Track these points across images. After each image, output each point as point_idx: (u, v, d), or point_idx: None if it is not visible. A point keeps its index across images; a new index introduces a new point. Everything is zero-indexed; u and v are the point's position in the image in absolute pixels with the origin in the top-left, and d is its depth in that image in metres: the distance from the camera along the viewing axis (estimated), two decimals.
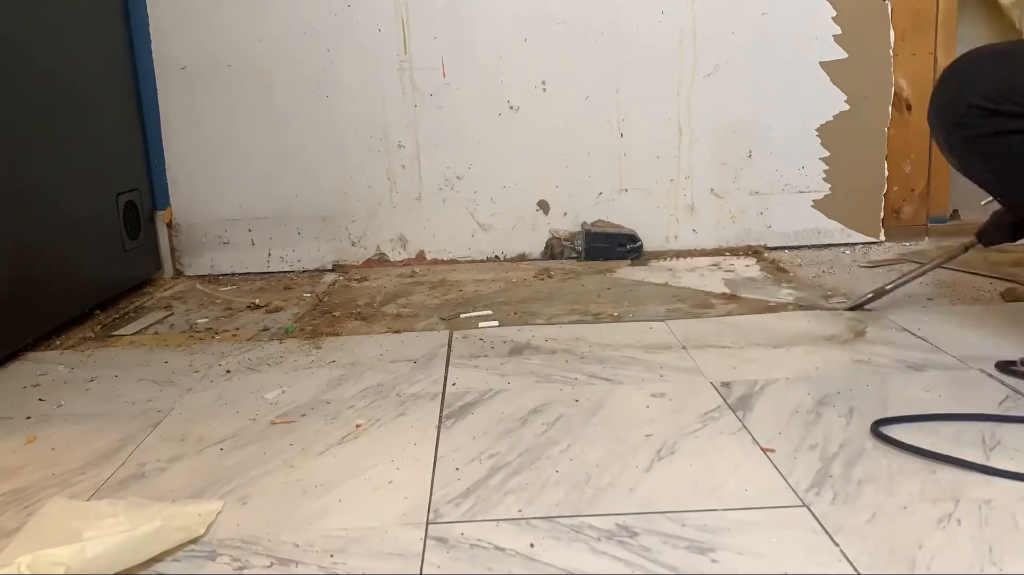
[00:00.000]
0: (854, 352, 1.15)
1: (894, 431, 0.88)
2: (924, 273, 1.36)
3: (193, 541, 0.74)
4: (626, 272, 1.71)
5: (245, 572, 0.69)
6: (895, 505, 0.75)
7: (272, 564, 0.70)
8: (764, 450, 0.86)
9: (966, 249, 1.30)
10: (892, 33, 1.79)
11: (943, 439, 0.86)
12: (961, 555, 0.67)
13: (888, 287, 1.36)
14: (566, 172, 1.84)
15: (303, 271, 1.85)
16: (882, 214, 1.85)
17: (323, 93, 1.80)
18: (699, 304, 1.44)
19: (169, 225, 1.84)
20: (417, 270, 1.81)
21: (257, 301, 1.60)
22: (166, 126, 1.81)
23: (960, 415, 0.92)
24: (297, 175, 1.83)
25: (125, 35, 1.73)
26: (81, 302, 1.50)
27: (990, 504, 0.74)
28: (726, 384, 1.05)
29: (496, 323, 1.37)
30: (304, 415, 1.02)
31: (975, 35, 1.91)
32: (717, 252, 1.85)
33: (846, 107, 1.81)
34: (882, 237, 1.86)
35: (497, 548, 0.71)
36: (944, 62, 1.82)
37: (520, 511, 0.76)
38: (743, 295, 1.48)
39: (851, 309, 1.36)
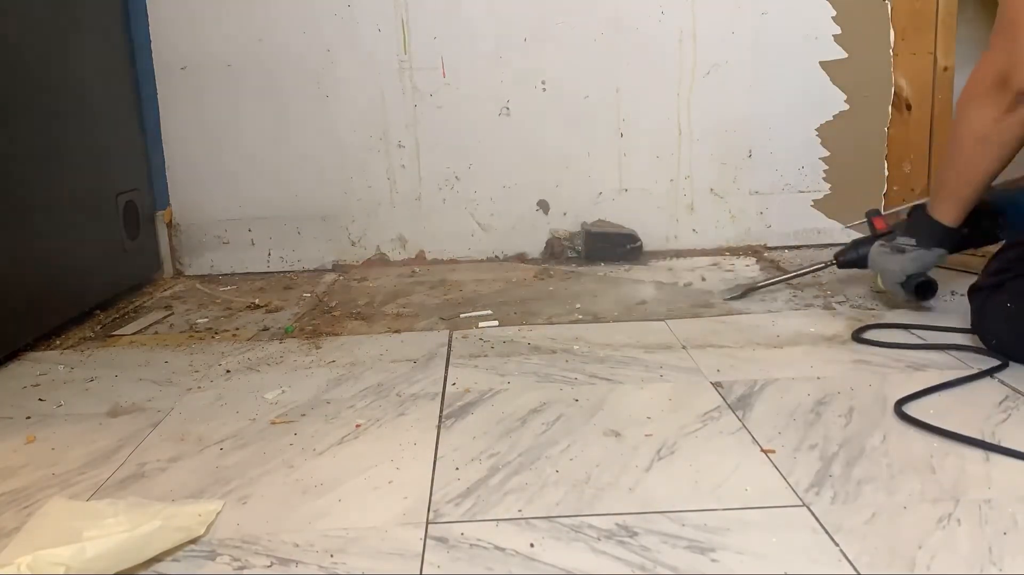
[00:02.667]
0: (854, 352, 1.15)
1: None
2: (789, 279, 1.51)
3: (193, 541, 0.74)
4: (626, 272, 1.71)
5: (245, 572, 0.69)
6: (895, 505, 0.74)
7: (272, 564, 0.70)
8: (764, 451, 0.86)
9: (825, 266, 1.46)
10: (892, 33, 1.79)
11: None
12: (961, 555, 0.67)
13: (760, 285, 1.50)
14: (566, 172, 1.84)
15: (303, 271, 1.85)
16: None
17: (323, 93, 1.80)
18: (699, 304, 1.44)
19: (169, 225, 1.84)
20: (417, 270, 1.81)
21: (257, 301, 1.60)
22: (166, 126, 1.81)
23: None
24: (297, 175, 1.83)
25: (125, 35, 1.73)
26: (81, 302, 1.50)
27: (990, 504, 0.74)
28: (726, 384, 1.05)
29: (496, 323, 1.37)
30: (304, 415, 1.02)
31: (975, 35, 1.91)
32: (717, 252, 1.85)
33: (846, 107, 1.81)
34: None
35: (497, 548, 0.71)
36: (944, 62, 1.82)
37: (520, 511, 0.76)
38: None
39: (732, 299, 1.46)
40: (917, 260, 1.25)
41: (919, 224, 1.25)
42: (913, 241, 1.24)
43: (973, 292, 1.15)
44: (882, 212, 1.43)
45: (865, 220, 1.42)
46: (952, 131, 1.17)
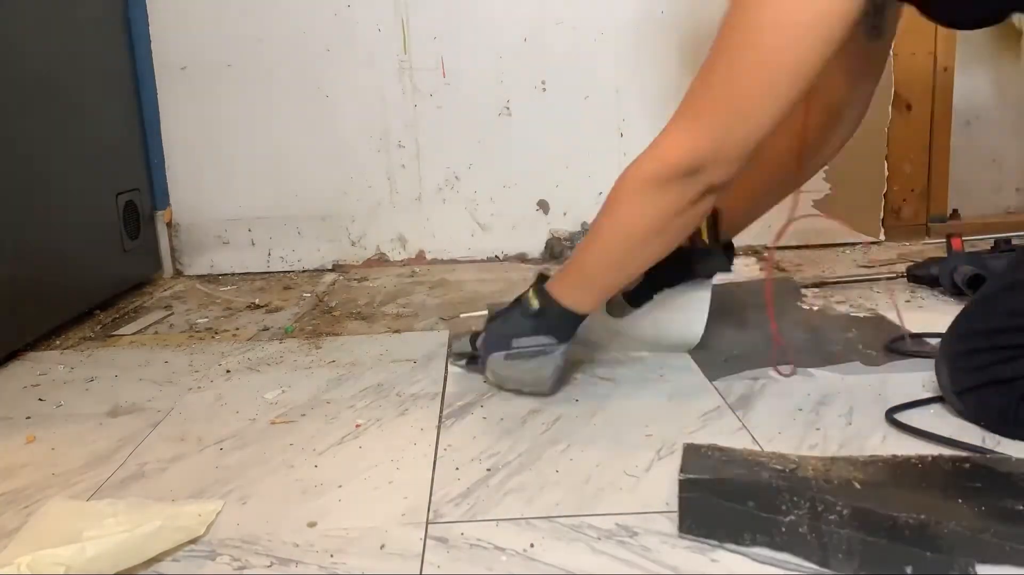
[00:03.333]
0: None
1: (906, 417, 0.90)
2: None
3: (193, 541, 0.74)
4: None
5: (245, 572, 0.69)
6: None
7: (272, 564, 0.70)
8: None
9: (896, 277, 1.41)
10: None
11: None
12: None
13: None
14: (566, 172, 1.84)
15: (303, 271, 1.85)
16: (882, 214, 1.85)
17: (323, 93, 1.80)
18: None
19: (169, 225, 1.84)
20: (417, 270, 1.81)
21: (257, 301, 1.60)
22: (166, 126, 1.80)
23: None
24: (297, 175, 1.83)
25: (125, 35, 1.73)
26: (81, 302, 1.50)
27: None
28: (726, 383, 1.05)
29: None
30: (304, 415, 1.02)
31: (975, 35, 1.91)
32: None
33: None
34: (882, 237, 1.86)
35: (497, 548, 0.71)
36: (944, 62, 1.82)
37: (520, 511, 0.76)
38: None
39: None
40: (561, 359, 1.01)
41: (555, 318, 1.00)
42: (553, 339, 1.00)
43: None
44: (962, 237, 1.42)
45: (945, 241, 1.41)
46: (610, 217, 0.94)
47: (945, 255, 1.44)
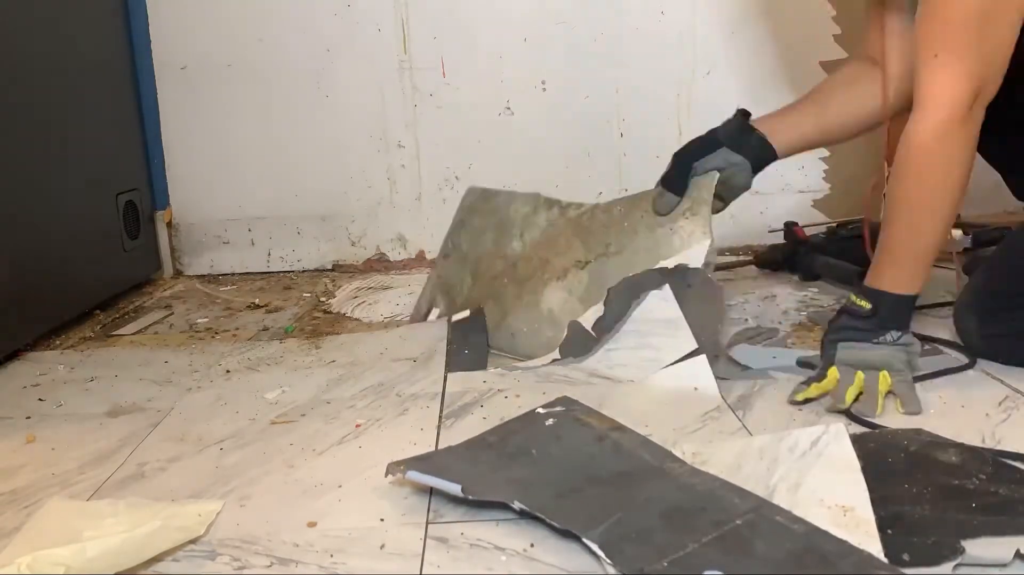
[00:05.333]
0: None
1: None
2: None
3: (193, 541, 0.74)
4: None
5: (245, 572, 0.69)
6: None
7: (272, 564, 0.70)
8: None
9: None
10: None
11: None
12: None
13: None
14: (566, 172, 1.84)
15: (303, 271, 1.85)
16: (883, 213, 1.85)
17: (323, 93, 1.80)
18: None
19: (169, 225, 1.84)
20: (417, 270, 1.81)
21: (257, 301, 1.60)
22: (166, 126, 1.81)
23: None
24: (297, 175, 1.83)
25: (125, 35, 1.73)
26: (81, 302, 1.50)
27: None
28: (726, 383, 1.05)
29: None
30: (304, 415, 1.02)
31: None
32: (717, 252, 1.84)
33: None
34: None
35: (497, 548, 0.71)
36: None
37: (520, 511, 0.76)
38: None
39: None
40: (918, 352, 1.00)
41: (896, 309, 0.98)
42: (897, 333, 0.98)
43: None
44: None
45: (783, 229, 1.57)
46: (918, 181, 1.01)
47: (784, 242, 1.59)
